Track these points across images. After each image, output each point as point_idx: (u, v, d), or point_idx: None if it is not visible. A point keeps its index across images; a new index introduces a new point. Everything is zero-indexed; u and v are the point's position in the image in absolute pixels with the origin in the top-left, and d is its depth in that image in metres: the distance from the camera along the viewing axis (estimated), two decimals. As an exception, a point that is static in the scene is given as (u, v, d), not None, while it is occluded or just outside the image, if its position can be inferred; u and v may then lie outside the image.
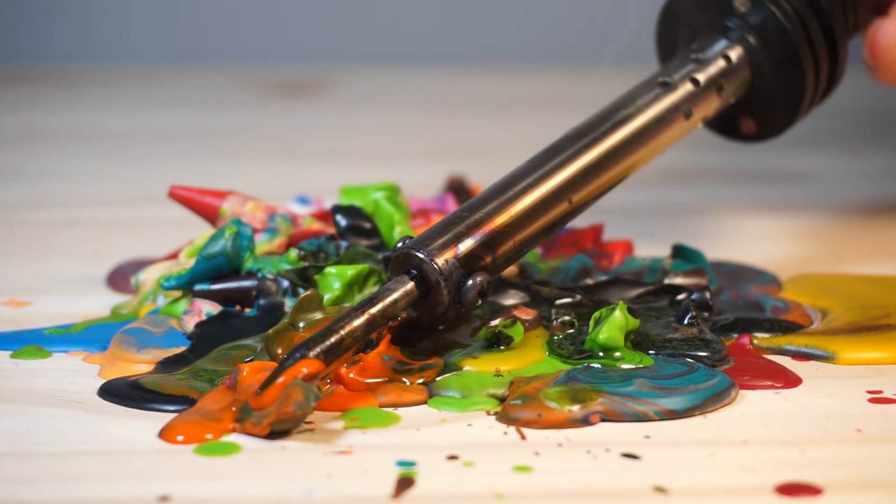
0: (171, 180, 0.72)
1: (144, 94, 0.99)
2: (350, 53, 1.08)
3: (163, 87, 1.01)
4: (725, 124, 0.53)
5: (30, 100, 0.96)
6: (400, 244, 0.43)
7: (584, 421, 0.39)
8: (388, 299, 0.41)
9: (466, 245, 0.42)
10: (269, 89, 0.99)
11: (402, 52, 1.07)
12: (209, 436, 0.38)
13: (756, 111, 0.52)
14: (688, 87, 0.49)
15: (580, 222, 0.54)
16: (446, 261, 0.42)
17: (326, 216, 0.52)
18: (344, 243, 0.48)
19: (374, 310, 0.41)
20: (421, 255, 0.42)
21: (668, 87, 0.49)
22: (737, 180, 0.71)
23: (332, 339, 0.39)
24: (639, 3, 1.09)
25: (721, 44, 0.50)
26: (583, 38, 1.09)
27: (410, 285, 0.42)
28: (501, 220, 0.43)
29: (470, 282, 0.42)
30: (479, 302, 0.42)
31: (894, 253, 0.57)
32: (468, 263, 0.42)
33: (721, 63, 0.50)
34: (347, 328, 0.40)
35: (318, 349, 0.39)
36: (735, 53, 0.50)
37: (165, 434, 0.38)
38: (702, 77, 0.49)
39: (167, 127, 0.88)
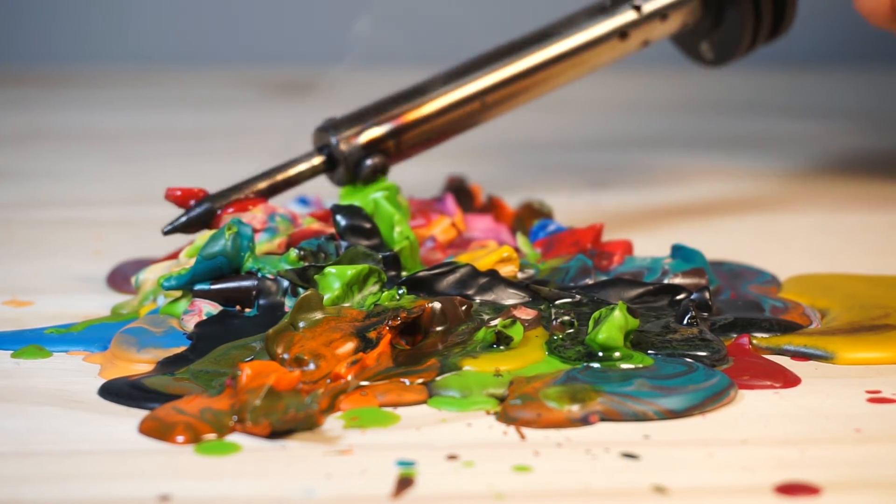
0: (170, 180, 0.72)
1: (144, 94, 0.99)
2: (350, 54, 1.08)
3: (163, 87, 1.01)
4: (690, 47, 0.60)
5: (30, 100, 0.96)
6: (321, 124, 0.52)
7: (584, 421, 0.39)
8: (295, 169, 0.51)
9: (373, 132, 0.52)
10: (269, 89, 0.99)
11: (402, 53, 1.07)
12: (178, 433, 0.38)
13: (710, 39, 0.58)
14: (626, 11, 0.56)
15: (579, 222, 0.54)
16: (349, 142, 0.51)
17: (326, 216, 0.52)
18: (344, 243, 0.48)
19: (279, 176, 0.51)
20: (330, 137, 0.52)
21: (605, 11, 0.56)
22: (737, 180, 0.71)
23: (234, 195, 0.50)
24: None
25: None
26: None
27: (318, 160, 0.52)
28: (411, 115, 0.53)
29: (368, 161, 0.51)
30: (374, 177, 0.51)
31: (894, 253, 0.57)
32: (372, 147, 0.52)
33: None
34: (250, 186, 0.50)
35: (222, 201, 0.49)
36: None
37: (141, 426, 0.38)
38: (644, 5, 0.56)
39: (167, 127, 0.88)
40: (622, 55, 0.56)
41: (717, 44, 0.58)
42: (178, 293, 0.47)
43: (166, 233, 0.49)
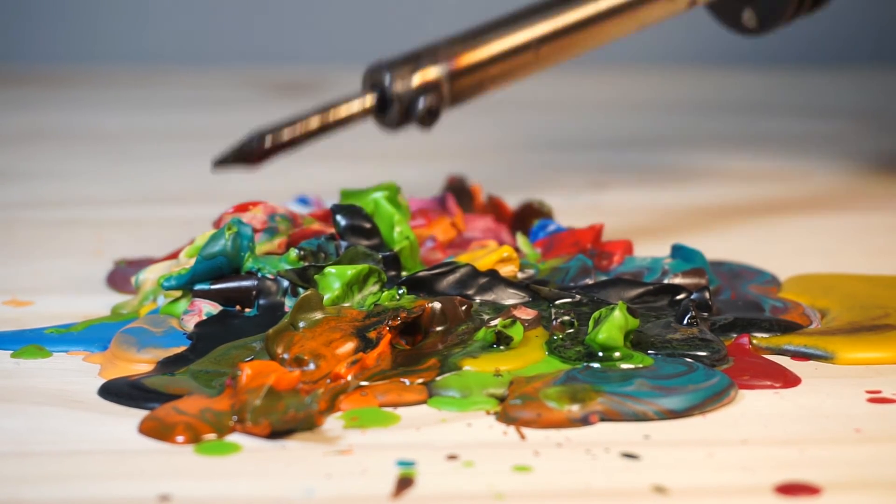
0: (171, 180, 0.72)
1: (146, 94, 0.99)
2: (350, 53, 1.08)
3: (164, 87, 1.01)
4: (731, 16, 0.59)
5: (30, 100, 0.96)
6: (372, 63, 0.51)
7: (584, 421, 0.39)
8: (345, 107, 0.50)
9: (428, 74, 0.51)
10: (269, 89, 0.99)
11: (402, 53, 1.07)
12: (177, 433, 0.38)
13: (753, 5, 0.58)
14: None
15: (579, 222, 0.54)
16: (404, 82, 0.50)
17: (326, 216, 0.52)
18: (344, 243, 0.48)
19: (330, 115, 0.50)
20: (384, 74, 0.51)
21: None
22: (736, 180, 0.71)
23: (287, 133, 0.49)
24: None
25: None
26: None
27: (369, 99, 0.50)
28: (466, 60, 0.52)
29: (422, 101, 0.50)
30: (429, 119, 0.51)
31: (894, 253, 0.57)
32: (427, 89, 0.51)
33: None
34: (303, 126, 0.49)
35: (272, 138, 0.48)
36: None
37: (141, 426, 0.38)
38: None
39: (167, 127, 0.88)
40: (671, 14, 0.56)
41: (761, 10, 0.58)
42: (178, 293, 0.47)
43: (217, 163, 0.48)
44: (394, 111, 0.51)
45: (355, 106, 0.50)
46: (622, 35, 0.55)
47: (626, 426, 0.39)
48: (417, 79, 0.51)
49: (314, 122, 0.50)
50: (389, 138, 0.84)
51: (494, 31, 0.53)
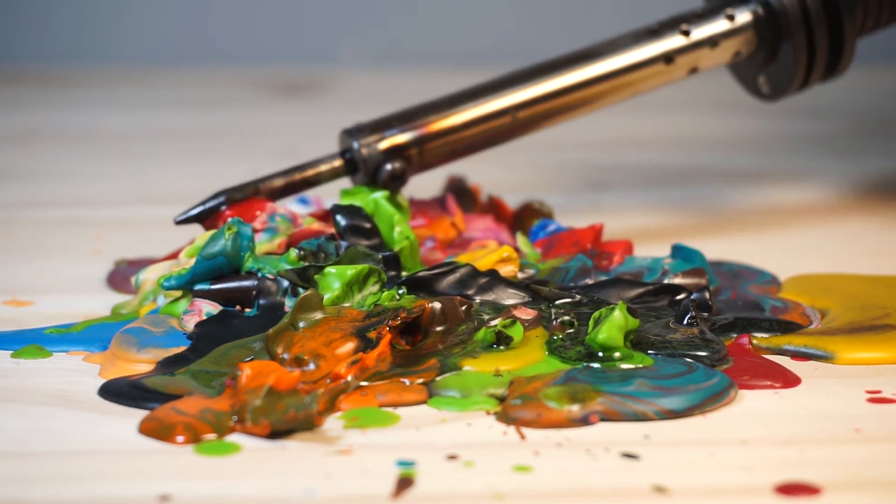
0: (171, 180, 0.72)
1: (144, 94, 0.99)
2: (350, 53, 1.08)
3: (163, 87, 1.01)
4: (748, 80, 0.58)
5: (30, 100, 0.96)
6: (347, 127, 0.52)
7: (584, 421, 0.39)
8: (315, 169, 0.51)
9: (396, 139, 0.51)
10: (269, 89, 0.99)
11: (402, 53, 1.07)
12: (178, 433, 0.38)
13: (766, 73, 0.56)
14: (676, 37, 0.54)
15: (579, 222, 0.54)
16: (370, 146, 0.51)
17: (326, 216, 0.52)
18: (344, 243, 0.48)
19: (297, 174, 0.51)
20: (353, 140, 0.51)
21: (653, 35, 0.54)
22: (737, 180, 0.71)
23: (249, 189, 0.50)
24: (636, 3, 1.09)
25: (731, 5, 0.55)
26: (582, 38, 1.09)
27: (338, 162, 0.51)
28: (437, 125, 0.52)
29: (387, 167, 0.50)
30: (393, 184, 0.51)
31: (894, 253, 0.57)
32: (393, 153, 0.51)
33: (723, 22, 0.54)
34: (268, 184, 0.50)
35: (237, 195, 0.49)
36: (742, 16, 0.54)
37: (141, 426, 0.38)
38: (694, 30, 0.54)
39: (167, 127, 0.88)
40: (667, 81, 0.55)
41: (772, 77, 0.56)
42: (178, 293, 0.47)
43: (178, 222, 0.49)
44: (360, 175, 0.51)
45: (324, 167, 0.51)
46: (614, 102, 0.54)
47: (626, 426, 0.39)
48: (384, 144, 0.51)
49: (279, 182, 0.51)
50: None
51: (470, 98, 0.53)
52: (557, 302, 0.46)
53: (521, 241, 0.53)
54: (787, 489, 0.35)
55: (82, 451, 0.37)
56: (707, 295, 0.47)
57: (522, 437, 0.38)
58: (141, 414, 0.39)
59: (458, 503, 0.35)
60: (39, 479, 0.36)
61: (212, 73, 1.04)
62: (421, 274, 0.47)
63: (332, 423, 0.39)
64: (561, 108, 0.53)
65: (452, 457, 0.37)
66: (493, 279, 0.47)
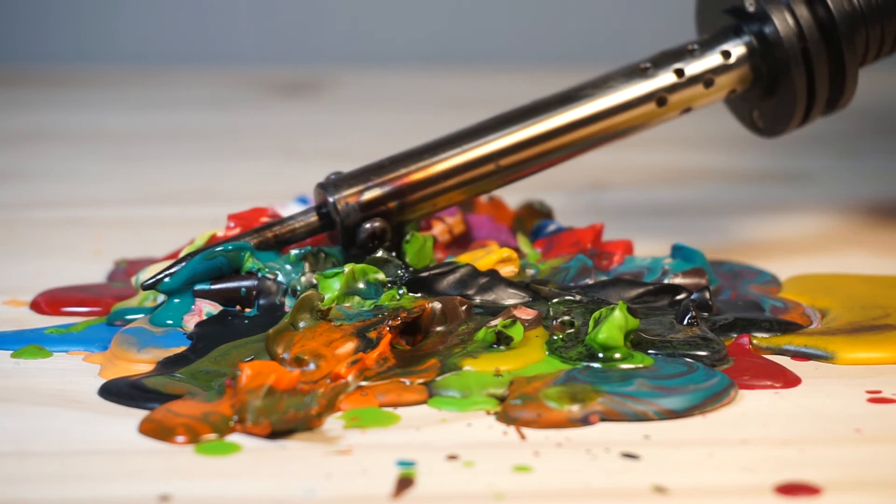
0: (171, 180, 0.72)
1: (144, 94, 0.99)
2: (350, 53, 1.08)
3: (163, 87, 1.01)
4: (742, 114, 0.54)
5: (30, 100, 0.96)
6: (323, 180, 0.48)
7: (584, 421, 0.39)
8: (289, 226, 0.48)
9: (372, 193, 0.48)
10: (269, 89, 0.99)
11: (402, 52, 1.07)
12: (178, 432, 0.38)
13: (761, 108, 0.53)
14: (668, 76, 0.50)
15: (579, 222, 0.54)
16: (346, 203, 0.47)
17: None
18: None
19: (269, 232, 0.47)
20: (328, 195, 0.48)
21: (645, 74, 0.50)
22: (737, 180, 0.71)
23: (220, 249, 0.46)
24: (639, 3, 1.09)
25: (725, 40, 0.51)
26: (582, 38, 1.09)
27: (314, 218, 0.48)
28: (416, 176, 0.48)
29: (366, 226, 0.47)
30: (373, 245, 0.47)
31: (894, 253, 0.57)
32: (370, 207, 0.48)
33: (717, 58, 0.51)
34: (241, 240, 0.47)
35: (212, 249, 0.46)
36: (736, 52, 0.51)
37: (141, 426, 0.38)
38: (687, 68, 0.51)
39: (167, 127, 0.88)
40: (659, 122, 0.51)
41: (769, 114, 0.52)
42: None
43: (145, 288, 0.46)
44: (338, 234, 0.48)
45: (299, 224, 0.48)
46: (603, 144, 0.51)
47: (626, 426, 0.39)
48: (362, 198, 0.47)
49: (252, 240, 0.47)
50: (389, 139, 0.84)
51: (450, 145, 0.49)
52: (555, 300, 0.46)
53: (521, 241, 0.53)
54: (787, 489, 0.35)
55: (82, 451, 0.37)
56: (707, 295, 0.47)
57: (522, 437, 0.38)
58: (141, 414, 0.39)
59: (458, 503, 0.35)
60: (39, 479, 0.36)
61: (212, 73, 1.04)
62: (421, 274, 0.47)
63: (332, 423, 0.39)
64: (547, 153, 0.50)
65: (452, 457, 0.37)
66: (493, 279, 0.47)
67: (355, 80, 1.03)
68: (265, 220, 0.50)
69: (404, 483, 0.35)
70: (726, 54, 0.51)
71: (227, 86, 1.01)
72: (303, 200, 0.59)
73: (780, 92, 0.52)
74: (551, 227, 0.54)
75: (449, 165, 0.49)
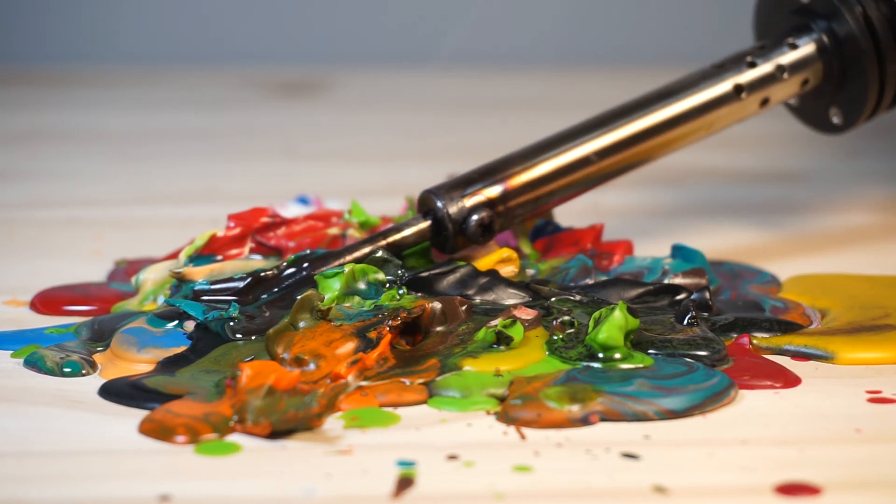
0: (171, 180, 0.72)
1: (144, 94, 0.99)
2: (350, 53, 1.08)
3: (163, 87, 1.01)
4: (816, 115, 0.57)
5: (30, 100, 0.96)
6: (429, 188, 0.49)
7: (584, 421, 0.39)
8: (399, 234, 0.48)
9: (481, 196, 0.49)
10: (269, 89, 0.99)
11: (402, 52, 1.07)
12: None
13: (836, 103, 0.55)
14: (742, 69, 0.53)
15: (579, 222, 0.54)
16: (459, 208, 0.48)
17: (326, 216, 0.52)
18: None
19: (383, 241, 0.47)
20: (436, 200, 0.48)
21: (721, 69, 0.53)
22: (737, 180, 0.71)
23: (334, 263, 0.47)
24: (638, 3, 1.09)
25: (795, 38, 0.54)
26: (582, 38, 1.09)
27: (425, 224, 0.48)
28: (521, 179, 0.49)
29: (474, 217, 0.48)
30: (485, 234, 0.48)
31: (894, 253, 0.57)
32: (480, 208, 0.48)
33: (787, 52, 0.54)
34: (353, 253, 0.47)
35: (323, 268, 0.46)
36: (807, 47, 0.54)
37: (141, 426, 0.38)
38: (760, 61, 0.53)
39: (167, 127, 0.88)
40: (741, 117, 0.54)
41: (844, 107, 0.55)
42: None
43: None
44: (448, 235, 0.48)
45: (409, 231, 0.48)
46: (691, 142, 0.53)
47: (626, 426, 0.39)
48: (469, 202, 0.49)
49: (365, 250, 0.47)
50: (389, 139, 0.84)
51: (550, 148, 0.51)
52: (553, 299, 0.46)
53: (521, 241, 0.53)
54: (787, 489, 0.35)
55: (82, 451, 0.37)
56: (707, 295, 0.47)
57: (522, 437, 0.38)
58: (141, 414, 0.39)
59: (458, 503, 0.35)
60: (39, 479, 0.36)
61: (212, 73, 1.04)
62: (421, 274, 0.47)
63: (332, 423, 0.39)
64: (638, 154, 0.52)
65: (452, 457, 0.37)
66: (494, 279, 0.47)
67: (355, 80, 1.03)
68: (265, 220, 0.50)
69: (404, 483, 0.35)
70: (794, 46, 0.54)
71: (227, 86, 1.01)
72: (303, 200, 0.59)
73: (848, 85, 0.54)
74: (551, 227, 0.54)
75: (550, 167, 0.50)
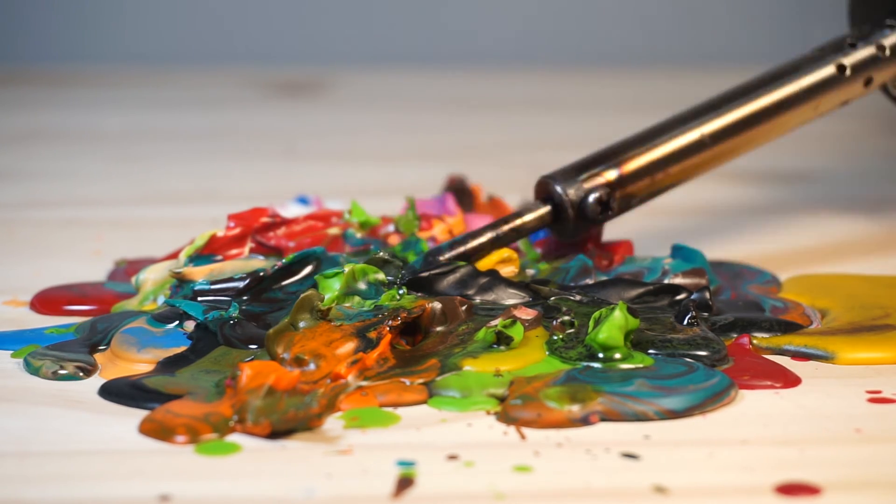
0: (171, 180, 0.72)
1: (145, 94, 0.99)
2: (350, 53, 1.08)
3: (163, 87, 1.01)
4: None
5: (30, 100, 0.96)
6: (546, 174, 0.50)
7: (584, 421, 0.39)
8: (520, 220, 0.49)
9: (600, 179, 0.50)
10: (269, 89, 0.99)
11: (402, 52, 1.07)
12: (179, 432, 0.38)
13: None
14: (844, 51, 0.54)
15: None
16: (577, 191, 0.49)
17: (326, 216, 0.52)
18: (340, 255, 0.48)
19: (505, 227, 0.49)
20: (554, 185, 0.50)
21: (823, 52, 0.54)
22: (737, 180, 0.71)
23: (459, 249, 0.48)
24: (640, 3, 1.09)
25: (894, 20, 0.55)
26: (582, 38, 1.09)
27: (545, 209, 0.50)
28: (636, 163, 0.51)
29: (592, 196, 0.49)
30: (603, 212, 0.50)
31: (894, 253, 0.57)
32: (597, 189, 0.50)
33: (887, 34, 0.55)
34: (474, 241, 0.48)
35: (448, 253, 0.48)
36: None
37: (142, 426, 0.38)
38: (862, 43, 0.54)
39: (167, 127, 0.88)
40: (847, 97, 0.54)
41: None
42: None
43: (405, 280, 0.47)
44: (567, 219, 0.50)
45: (530, 217, 0.50)
46: (801, 124, 0.54)
47: (626, 426, 0.39)
48: (588, 184, 0.50)
49: (488, 236, 0.49)
50: (389, 139, 0.84)
51: (663, 132, 0.52)
52: (552, 299, 0.46)
53: (521, 241, 0.53)
54: (787, 489, 0.35)
55: (82, 451, 0.37)
56: (707, 295, 0.47)
57: (523, 437, 0.38)
58: (141, 414, 0.39)
59: (458, 503, 0.35)
60: (39, 479, 0.36)
61: (212, 73, 1.04)
62: (421, 274, 0.47)
63: (332, 423, 0.39)
64: (757, 136, 0.53)
65: (452, 457, 0.37)
66: (494, 279, 0.47)
67: (355, 80, 1.03)
68: (265, 220, 0.50)
69: (404, 483, 0.35)
70: (893, 27, 0.55)
71: (227, 86, 1.01)
72: (303, 200, 0.59)
73: None
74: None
75: (665, 151, 0.51)
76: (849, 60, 0.54)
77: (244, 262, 0.48)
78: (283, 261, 0.47)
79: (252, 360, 0.42)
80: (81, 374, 0.42)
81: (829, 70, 0.54)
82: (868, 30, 0.55)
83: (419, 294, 0.46)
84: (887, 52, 0.54)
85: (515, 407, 0.40)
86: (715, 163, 0.53)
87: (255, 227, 0.50)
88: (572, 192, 0.50)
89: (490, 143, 0.82)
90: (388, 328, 0.42)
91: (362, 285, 0.45)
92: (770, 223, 0.63)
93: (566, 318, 0.44)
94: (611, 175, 0.50)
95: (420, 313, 0.43)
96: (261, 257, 0.50)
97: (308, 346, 0.41)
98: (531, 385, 0.41)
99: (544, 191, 0.50)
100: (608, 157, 0.51)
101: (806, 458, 0.37)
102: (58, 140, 0.83)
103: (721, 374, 0.41)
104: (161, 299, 0.48)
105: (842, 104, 0.55)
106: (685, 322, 0.45)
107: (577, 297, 0.47)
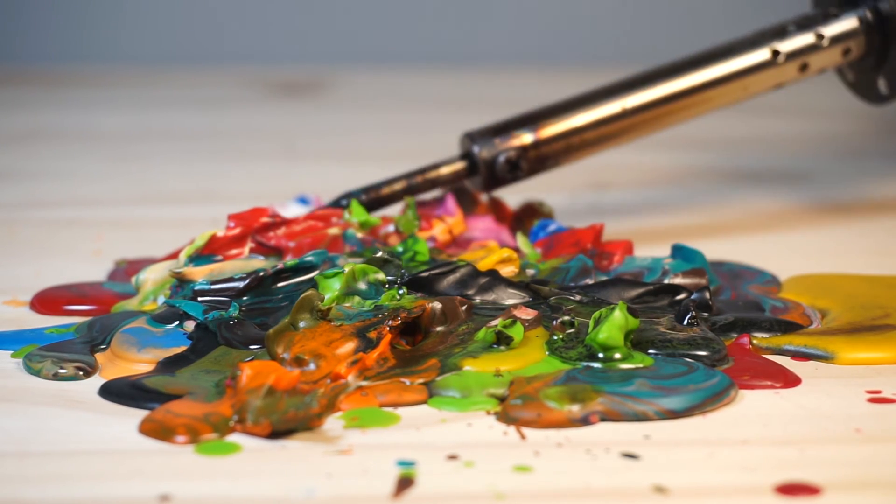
0: (171, 180, 0.72)
1: (144, 94, 0.99)
2: (350, 53, 1.08)
3: (163, 87, 1.01)
4: (867, 89, 0.59)
5: (29, 100, 0.96)
6: (467, 132, 0.54)
7: (584, 421, 0.39)
8: (435, 172, 0.54)
9: (513, 142, 0.54)
10: (269, 89, 0.99)
11: (402, 52, 1.07)
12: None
13: (884, 73, 0.58)
14: (782, 35, 0.56)
15: (579, 222, 0.54)
16: (491, 149, 0.54)
17: (325, 216, 0.52)
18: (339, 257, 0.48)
19: (420, 178, 0.53)
20: (473, 144, 0.54)
21: (761, 35, 0.56)
22: (737, 180, 0.71)
23: (372, 195, 0.52)
24: (636, 4, 1.09)
25: (839, 9, 0.56)
26: (582, 38, 1.09)
27: (460, 165, 0.54)
28: (553, 129, 0.54)
29: (501, 157, 0.54)
30: (512, 170, 0.54)
31: (894, 253, 0.57)
32: (510, 150, 0.54)
33: (829, 22, 0.56)
34: (388, 188, 0.53)
35: (362, 198, 0.52)
36: (849, 19, 0.56)
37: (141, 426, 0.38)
38: (798, 31, 0.56)
39: (167, 127, 0.88)
40: (779, 80, 0.56)
41: (891, 76, 0.57)
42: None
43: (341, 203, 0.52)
44: (479, 174, 0.54)
45: (445, 169, 0.54)
46: (730, 103, 0.56)
47: (626, 426, 0.39)
48: (502, 143, 0.54)
49: (398, 185, 0.53)
50: (389, 139, 0.84)
51: (585, 101, 0.55)
52: (551, 299, 0.46)
53: (521, 241, 0.53)
54: (788, 489, 0.35)
55: (82, 451, 0.37)
56: (707, 295, 0.47)
57: (523, 437, 0.38)
58: (141, 414, 0.39)
59: (458, 503, 0.35)
60: (39, 479, 0.36)
61: (211, 73, 1.04)
62: (421, 274, 0.47)
63: (332, 423, 0.39)
64: (675, 111, 0.55)
65: (452, 457, 0.37)
66: (494, 279, 0.47)
67: (355, 80, 1.03)
68: (265, 220, 0.50)
69: (404, 483, 0.35)
70: (834, 16, 0.56)
71: (226, 86, 1.01)
72: (303, 200, 0.59)
73: (892, 60, 0.57)
74: (551, 227, 0.54)
75: (586, 120, 0.55)
76: (784, 46, 0.55)
77: (244, 262, 0.48)
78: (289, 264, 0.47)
79: (252, 360, 0.42)
80: (81, 374, 0.42)
81: (762, 53, 0.55)
82: (813, 16, 0.56)
83: (419, 294, 0.46)
84: (825, 42, 0.55)
85: (515, 407, 0.40)
86: (633, 133, 0.55)
87: (255, 227, 0.50)
88: (485, 152, 0.54)
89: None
90: (388, 328, 0.42)
91: (362, 285, 0.45)
92: (770, 223, 0.63)
93: (566, 318, 0.44)
94: (527, 138, 0.54)
95: (420, 313, 0.43)
96: (261, 257, 0.50)
97: (308, 346, 0.41)
98: (531, 385, 0.41)
99: (464, 147, 0.55)
100: (529, 120, 0.55)
101: (806, 458, 0.37)
102: (57, 140, 0.83)
103: (721, 374, 0.41)
104: (161, 299, 0.48)
105: (775, 87, 0.56)
106: (685, 322, 0.45)
107: (577, 297, 0.47)
